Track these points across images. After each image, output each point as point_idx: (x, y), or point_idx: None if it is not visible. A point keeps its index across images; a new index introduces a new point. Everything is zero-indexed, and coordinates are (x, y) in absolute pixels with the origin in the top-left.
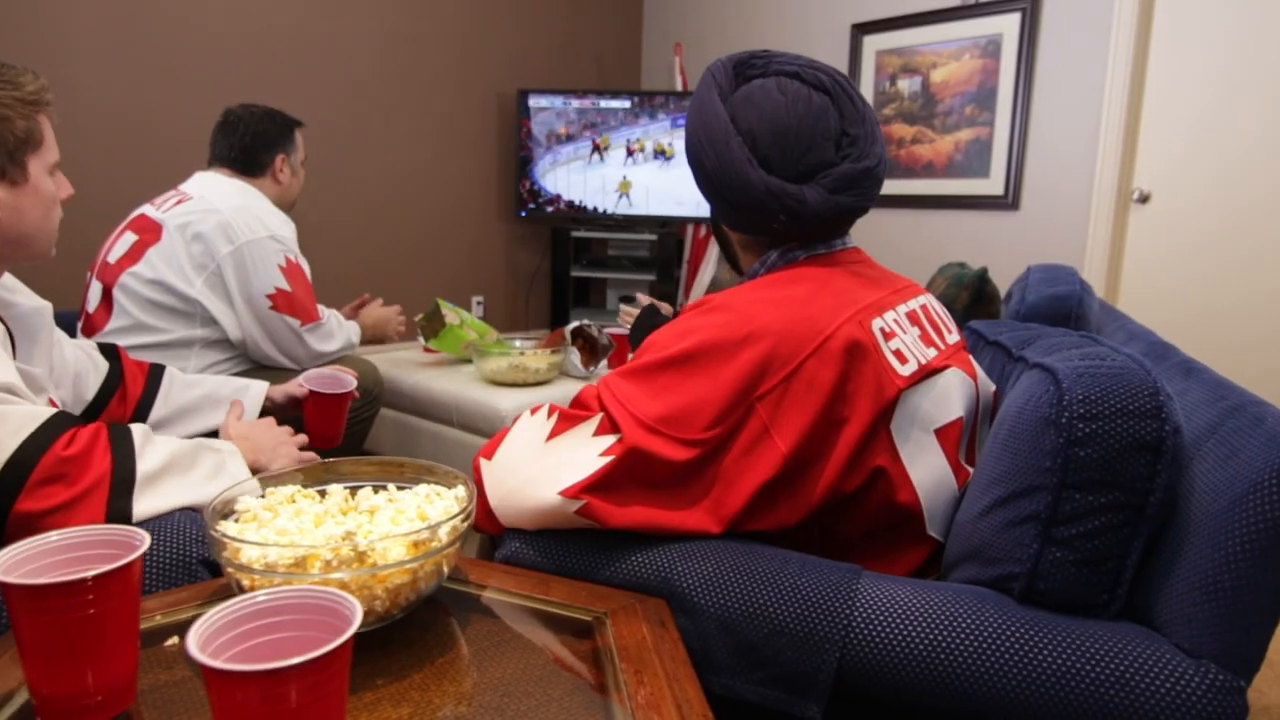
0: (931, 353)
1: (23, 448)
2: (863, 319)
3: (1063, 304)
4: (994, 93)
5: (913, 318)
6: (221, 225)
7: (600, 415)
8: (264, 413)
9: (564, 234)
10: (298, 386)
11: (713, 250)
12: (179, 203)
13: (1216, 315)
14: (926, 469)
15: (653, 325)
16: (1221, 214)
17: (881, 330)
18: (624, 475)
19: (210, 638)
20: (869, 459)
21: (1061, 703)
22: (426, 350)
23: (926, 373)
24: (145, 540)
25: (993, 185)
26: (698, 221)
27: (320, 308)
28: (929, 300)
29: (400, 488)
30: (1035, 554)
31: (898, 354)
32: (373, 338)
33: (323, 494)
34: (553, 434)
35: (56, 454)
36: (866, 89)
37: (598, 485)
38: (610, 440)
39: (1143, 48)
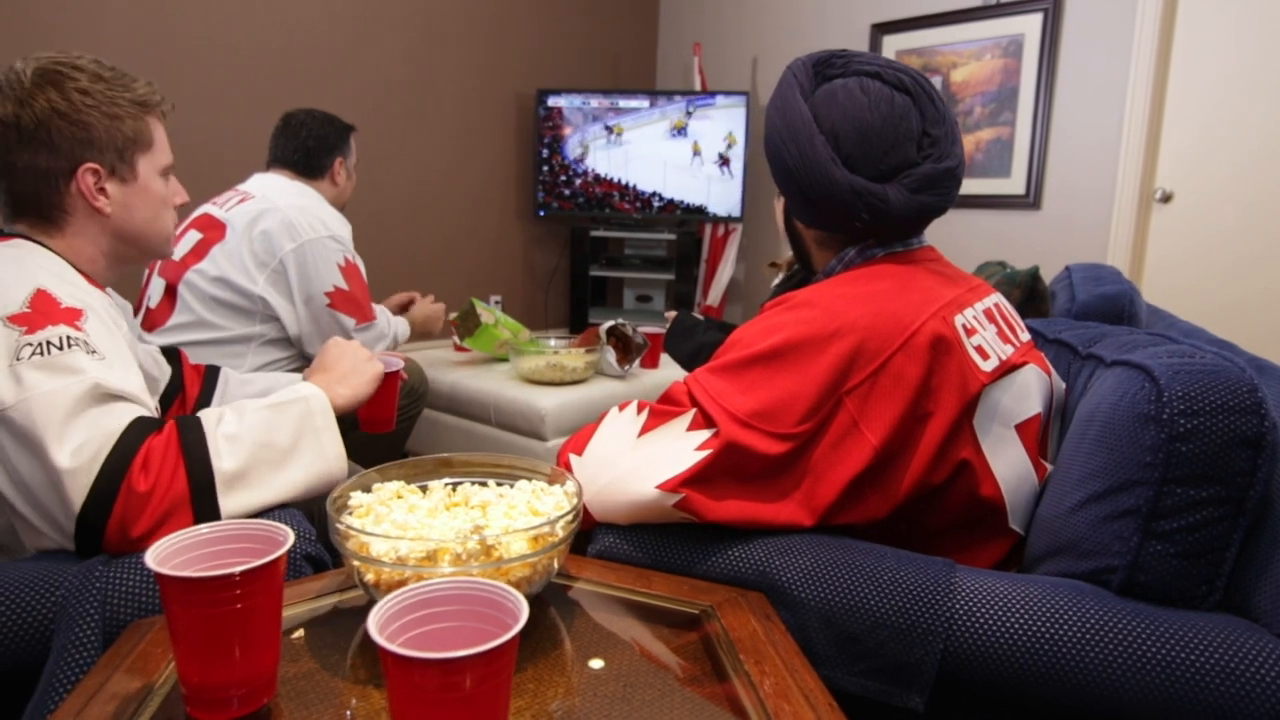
0: (1009, 349)
1: (97, 484)
2: (946, 315)
3: (1115, 303)
4: (1015, 92)
5: (989, 315)
6: (285, 223)
7: (693, 411)
8: None
9: (583, 233)
10: None
11: (731, 250)
12: (241, 201)
13: (1238, 313)
14: (1008, 463)
15: (691, 327)
16: (1243, 212)
17: (964, 326)
18: (720, 470)
19: (386, 622)
20: (954, 452)
21: (1166, 693)
22: (458, 349)
23: (1007, 369)
24: (289, 537)
25: (1014, 185)
26: (716, 221)
27: (375, 308)
28: (1000, 299)
29: (499, 484)
30: (1135, 547)
31: (979, 350)
32: (421, 333)
33: (424, 489)
34: (645, 429)
35: (132, 489)
36: None
37: (696, 479)
38: (705, 435)
39: (1165, 47)
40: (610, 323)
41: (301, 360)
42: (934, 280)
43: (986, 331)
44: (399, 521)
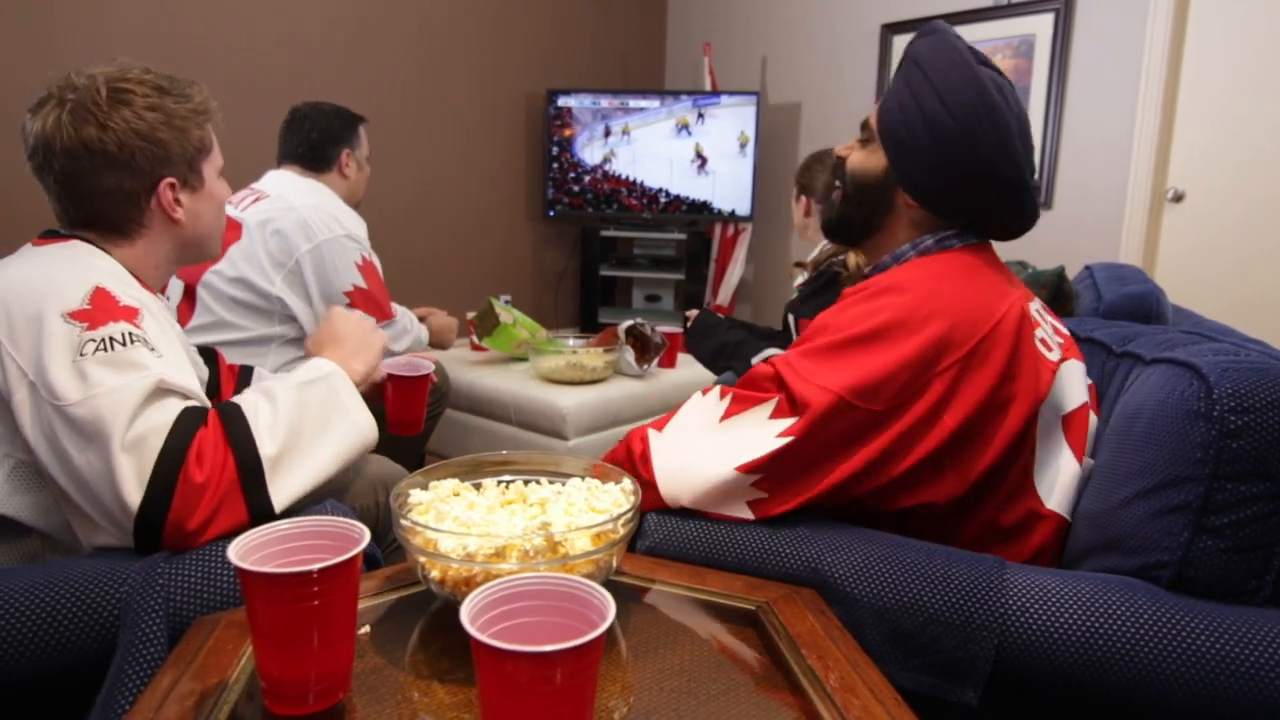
0: (1060, 340)
1: (154, 477)
2: (1023, 305)
3: (1143, 302)
4: (1026, 92)
5: (1043, 311)
6: (300, 223)
7: (777, 398)
8: None
9: (593, 232)
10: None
11: (740, 250)
12: (256, 201)
13: (1250, 312)
14: (1050, 450)
15: (713, 326)
16: (1255, 211)
17: (1034, 317)
18: (798, 454)
19: (476, 615)
20: (1026, 441)
21: (1219, 687)
22: (475, 348)
23: (1062, 360)
24: (365, 535)
25: None
26: (725, 220)
27: (395, 306)
28: (1039, 300)
29: (549, 482)
30: (1186, 542)
31: (1043, 342)
32: (435, 344)
33: (477, 487)
34: (727, 414)
35: (190, 480)
36: None
37: (775, 462)
38: (787, 423)
39: (1177, 47)
40: (629, 322)
41: None
42: (1003, 274)
43: (1045, 326)
44: (462, 519)
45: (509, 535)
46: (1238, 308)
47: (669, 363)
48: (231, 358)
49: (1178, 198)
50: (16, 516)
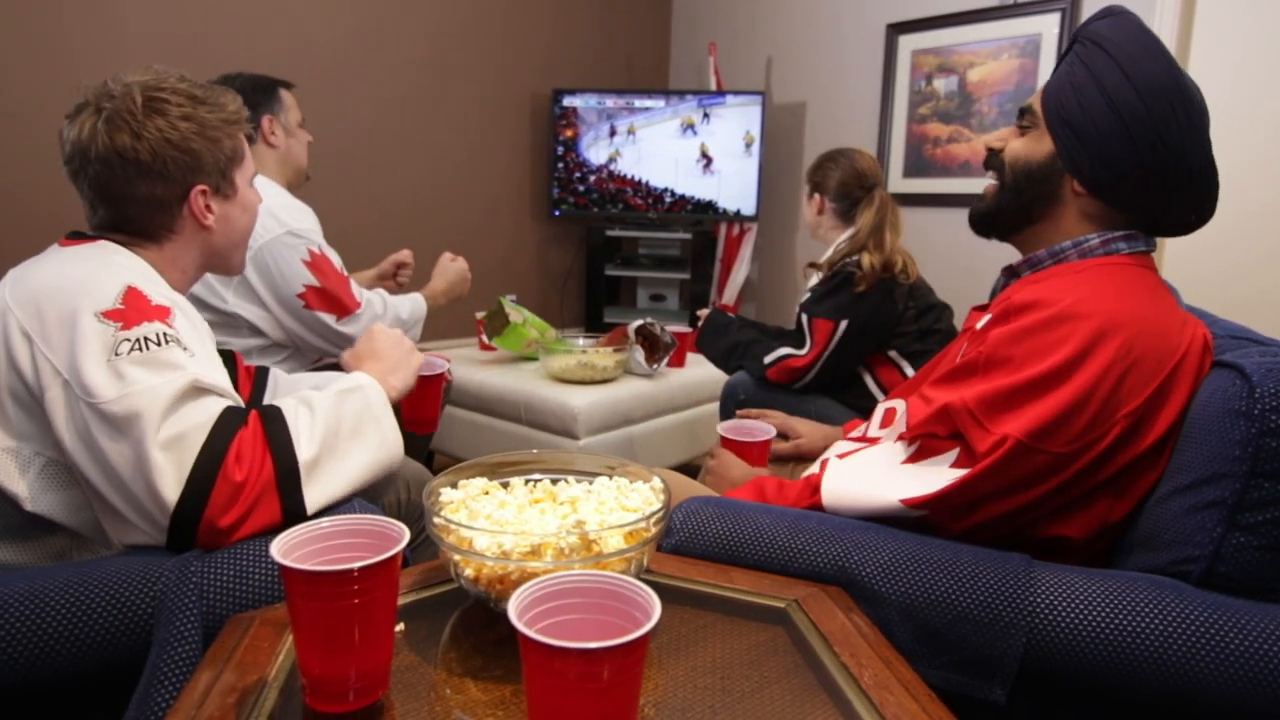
0: None
1: (193, 474)
2: (1205, 333)
3: None
4: (1032, 92)
5: None
6: None
7: (958, 450)
8: None
9: (599, 232)
10: None
11: (746, 249)
12: None
13: (1252, 312)
14: None
15: (725, 326)
16: (1259, 213)
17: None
18: (971, 490)
19: (522, 611)
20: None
21: (1249, 685)
22: (484, 347)
23: None
24: (405, 534)
25: None
26: (731, 220)
27: (360, 292)
28: None
29: (577, 480)
30: (1219, 538)
31: None
32: (453, 299)
33: (505, 486)
34: (909, 459)
35: (229, 479)
36: (901, 88)
37: (942, 499)
38: (964, 471)
39: (1183, 48)
40: (638, 322)
41: (302, 358)
42: (1167, 290)
43: None
44: (495, 517)
45: (543, 533)
46: (1240, 307)
47: (678, 362)
48: None
49: None
50: (47, 514)
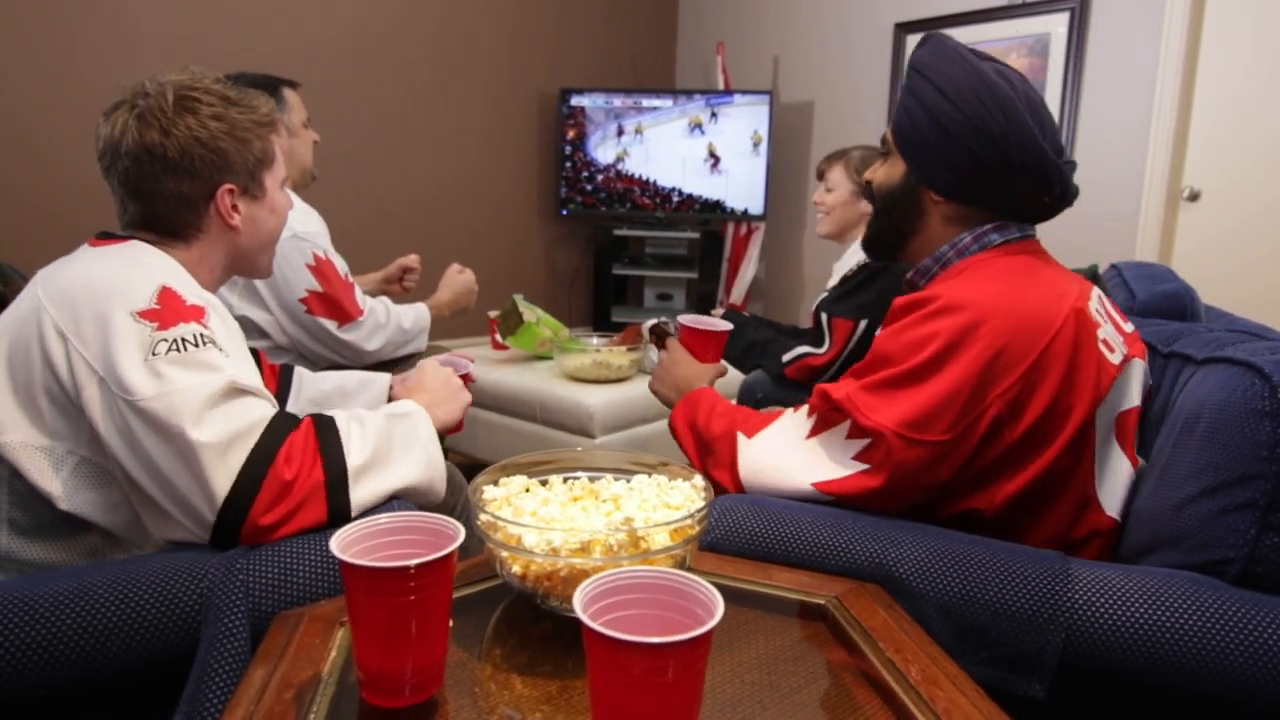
0: (1120, 338)
1: (243, 471)
2: (1082, 306)
3: (1178, 301)
4: (1041, 91)
5: (1103, 305)
6: None
7: (849, 421)
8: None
9: (606, 231)
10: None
11: (753, 248)
12: None
13: (1264, 310)
14: (1107, 449)
15: (741, 325)
16: (1271, 210)
17: (1094, 316)
18: (871, 494)
19: (587, 604)
20: (1084, 443)
21: None
22: (497, 346)
23: (1126, 360)
24: (460, 532)
25: None
26: (739, 219)
27: (365, 299)
28: (1099, 290)
29: (616, 478)
30: (1253, 539)
31: (1105, 342)
32: (456, 310)
33: (544, 483)
34: (812, 433)
35: (278, 477)
36: None
37: (851, 497)
38: (861, 444)
39: (1193, 46)
40: (652, 321)
41: (306, 365)
42: (1056, 272)
43: (1108, 324)
44: (541, 514)
45: (592, 530)
46: (1252, 305)
47: None
48: None
49: (1193, 196)
50: (80, 513)
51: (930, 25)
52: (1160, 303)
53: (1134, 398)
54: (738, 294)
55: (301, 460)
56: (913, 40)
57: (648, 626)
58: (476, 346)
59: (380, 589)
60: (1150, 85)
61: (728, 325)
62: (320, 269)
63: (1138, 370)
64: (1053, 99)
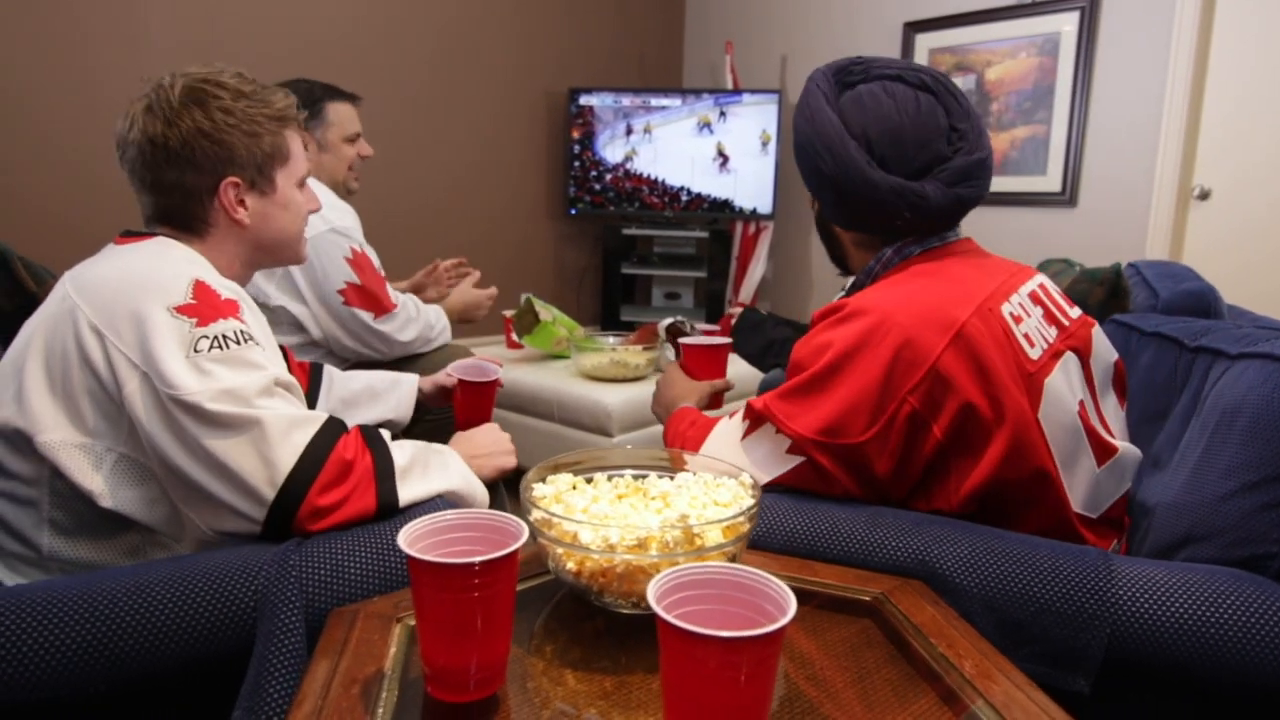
0: (1054, 331)
1: (315, 441)
2: (992, 305)
3: (1202, 299)
4: (1051, 90)
5: (1034, 298)
6: None
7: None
8: (416, 405)
9: (615, 231)
10: (446, 376)
11: (762, 248)
12: None
13: (1275, 310)
14: (1063, 446)
15: (759, 323)
16: (1269, 210)
17: (1011, 315)
18: (809, 480)
19: (660, 597)
20: (1028, 443)
21: None
22: (512, 345)
23: (1054, 354)
24: (524, 530)
25: (1050, 182)
26: (747, 218)
27: (395, 293)
28: (1045, 280)
29: (660, 477)
30: None
31: (1026, 337)
32: (460, 319)
33: (589, 481)
34: (745, 434)
35: (340, 457)
36: None
37: (807, 479)
38: (789, 441)
39: (1204, 45)
40: (668, 320)
41: (336, 361)
42: (974, 271)
43: (1031, 318)
44: (592, 511)
45: (648, 527)
46: (1262, 304)
47: None
48: None
49: (1203, 195)
50: (121, 510)
51: (939, 24)
52: (1183, 301)
53: (1077, 393)
54: (746, 293)
55: (356, 448)
56: (921, 39)
57: (719, 622)
58: (490, 346)
59: (446, 584)
60: (1160, 84)
61: (724, 340)
62: (357, 262)
63: (1070, 365)
64: (1063, 98)
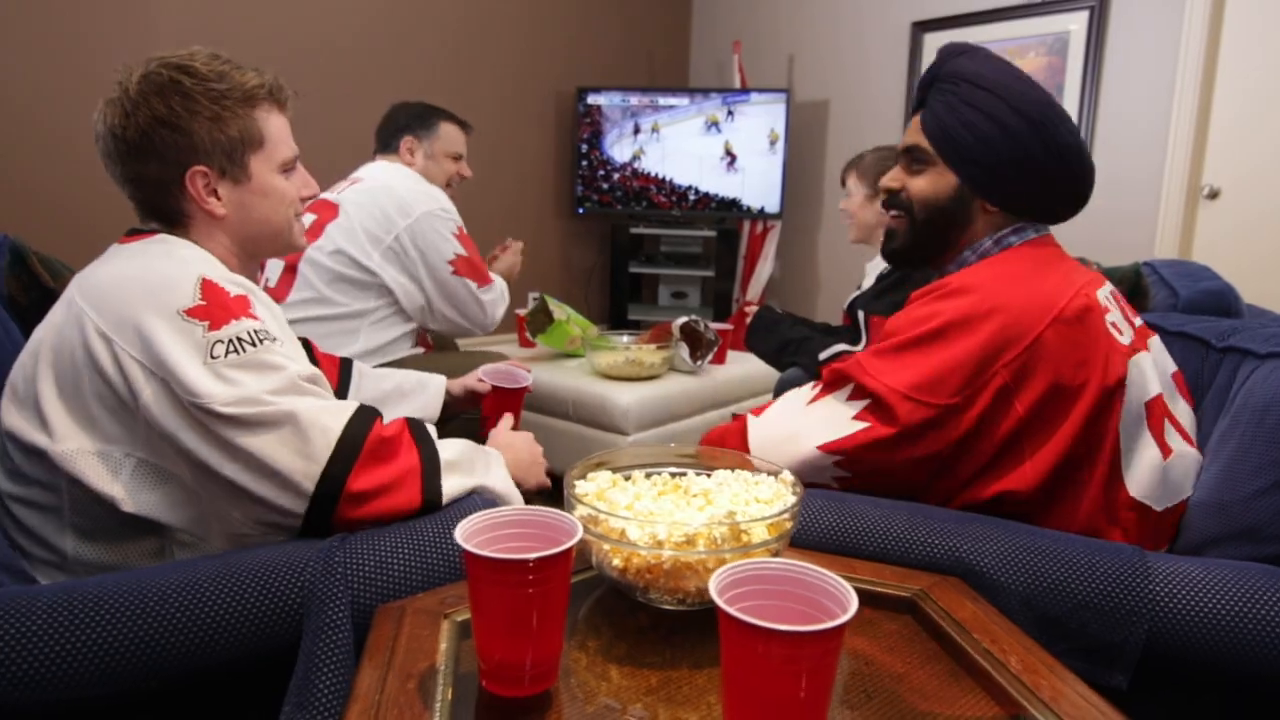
0: (1130, 331)
1: (351, 424)
2: (1089, 290)
3: (1222, 298)
4: (1060, 90)
5: (1114, 296)
6: (397, 200)
7: (852, 384)
8: (444, 407)
9: (623, 230)
10: (477, 381)
11: (769, 247)
12: (352, 184)
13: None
14: (1140, 441)
15: (775, 323)
16: (1274, 209)
17: (1104, 302)
18: (875, 444)
19: (720, 591)
20: (1103, 424)
21: None
22: (524, 344)
23: (1136, 349)
24: (578, 528)
25: None
26: (755, 218)
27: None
28: (1112, 286)
29: (698, 474)
30: None
31: (1115, 326)
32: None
33: (628, 478)
34: (812, 400)
35: (378, 433)
36: None
37: (854, 451)
38: (862, 404)
39: (1213, 44)
40: (682, 319)
41: (409, 342)
42: (1070, 263)
43: (1114, 312)
44: (636, 508)
45: (694, 524)
46: (1272, 303)
47: (719, 359)
48: (325, 333)
49: (1213, 194)
50: (145, 514)
51: (948, 24)
52: (1204, 300)
53: (1154, 385)
54: (753, 292)
55: (397, 440)
56: (930, 39)
57: (779, 617)
58: (502, 345)
59: (501, 580)
60: (1169, 83)
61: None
62: (464, 238)
63: (1148, 361)
64: (1071, 97)
